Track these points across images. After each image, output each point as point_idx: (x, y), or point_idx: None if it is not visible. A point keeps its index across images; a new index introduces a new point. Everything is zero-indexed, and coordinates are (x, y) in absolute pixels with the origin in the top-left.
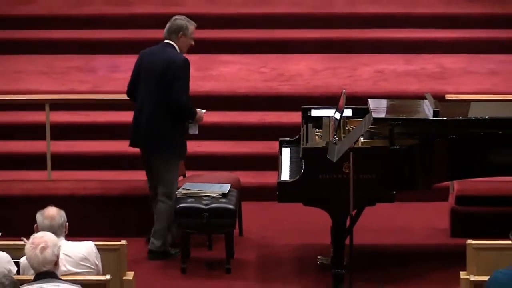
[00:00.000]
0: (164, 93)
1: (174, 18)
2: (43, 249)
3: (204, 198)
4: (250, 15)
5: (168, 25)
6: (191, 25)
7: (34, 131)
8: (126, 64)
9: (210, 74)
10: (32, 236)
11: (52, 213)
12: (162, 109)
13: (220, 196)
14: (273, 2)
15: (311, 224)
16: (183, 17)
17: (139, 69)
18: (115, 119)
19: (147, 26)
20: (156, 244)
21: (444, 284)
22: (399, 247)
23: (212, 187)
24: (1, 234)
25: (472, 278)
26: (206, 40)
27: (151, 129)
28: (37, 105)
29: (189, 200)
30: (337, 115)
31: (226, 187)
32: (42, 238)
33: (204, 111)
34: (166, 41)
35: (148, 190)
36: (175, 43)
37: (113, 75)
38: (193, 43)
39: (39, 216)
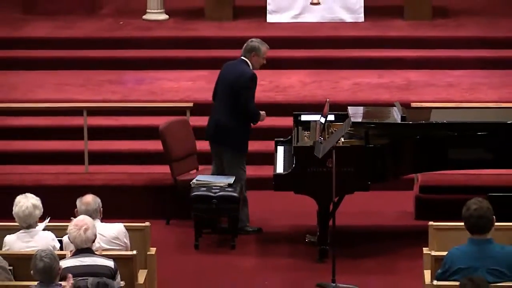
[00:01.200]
0: (233, 99)
1: (250, 40)
2: (86, 230)
3: (213, 187)
4: (252, 37)
5: (244, 45)
6: (263, 47)
7: (74, 133)
8: (150, 78)
9: None
10: (74, 219)
11: (89, 199)
12: (230, 111)
13: (227, 186)
14: (271, 27)
15: (301, 209)
16: (258, 40)
17: (219, 78)
18: (140, 123)
19: (166, 47)
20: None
21: (410, 259)
22: (373, 227)
23: (220, 179)
24: (49, 218)
25: (433, 253)
26: (221, 58)
27: (220, 127)
28: (76, 111)
29: (201, 189)
30: (322, 120)
31: (231, 179)
32: (83, 221)
33: (264, 112)
34: (242, 57)
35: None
36: (249, 60)
37: (139, 87)
38: (264, 62)
39: (78, 202)
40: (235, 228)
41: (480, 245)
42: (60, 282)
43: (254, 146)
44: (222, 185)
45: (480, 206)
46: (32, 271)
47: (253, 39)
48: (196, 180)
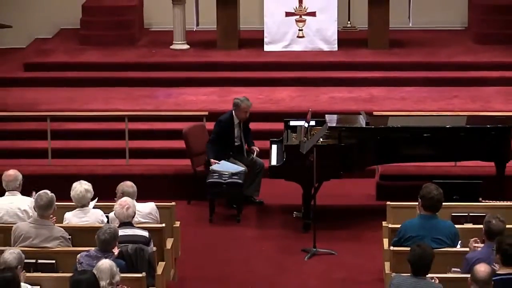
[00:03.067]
0: None
1: (236, 98)
2: (128, 208)
3: (224, 176)
4: (252, 62)
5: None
6: (243, 104)
7: (118, 134)
8: (175, 93)
9: (230, 99)
10: (118, 200)
11: (129, 184)
12: None
13: (233, 175)
14: (267, 55)
15: (290, 192)
16: (242, 98)
17: None
18: (168, 127)
19: (188, 70)
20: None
21: (373, 230)
22: (344, 206)
23: (229, 169)
24: (97, 199)
25: (390, 226)
26: (229, 78)
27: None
28: (120, 118)
29: (215, 176)
30: (306, 125)
31: (238, 168)
32: (126, 201)
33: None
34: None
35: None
36: (234, 112)
37: (167, 100)
38: (247, 115)
39: (121, 187)
40: (240, 206)
41: (427, 219)
42: (113, 250)
43: (255, 144)
44: (230, 173)
45: (440, 192)
46: (95, 238)
47: (238, 98)
48: (211, 169)
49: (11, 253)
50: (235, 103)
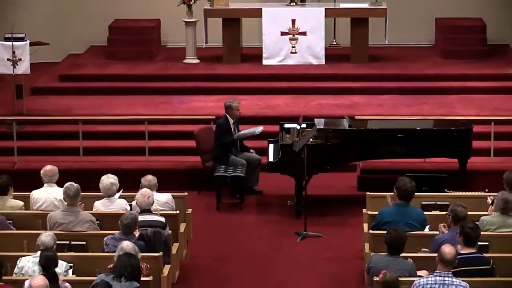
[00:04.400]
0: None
1: (227, 101)
2: (148, 197)
3: (228, 170)
4: (253, 74)
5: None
6: (234, 104)
7: (139, 135)
8: (187, 100)
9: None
10: (140, 190)
11: (149, 178)
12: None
13: (236, 169)
14: (265, 68)
15: (284, 184)
16: (231, 100)
17: None
18: (181, 129)
19: (198, 80)
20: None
21: (354, 216)
22: (331, 196)
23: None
24: (122, 190)
25: (369, 212)
26: (233, 88)
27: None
28: (141, 121)
29: (221, 171)
30: (298, 127)
31: (240, 165)
32: (146, 191)
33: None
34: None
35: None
36: (228, 113)
37: (181, 106)
38: (239, 113)
39: (142, 180)
40: (242, 196)
41: (401, 207)
42: (134, 233)
43: (254, 144)
44: (233, 168)
45: (413, 184)
46: (119, 223)
47: (228, 101)
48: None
49: (47, 236)
50: (227, 106)
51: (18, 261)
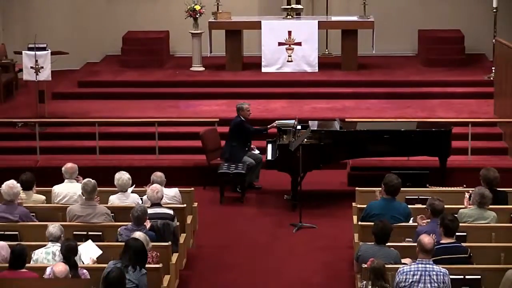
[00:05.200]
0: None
1: (238, 103)
2: (157, 192)
3: (231, 167)
4: (253, 81)
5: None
6: (245, 106)
7: (150, 135)
8: (193, 104)
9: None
10: (150, 186)
11: (158, 174)
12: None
13: (238, 167)
14: (264, 75)
15: (281, 179)
16: (242, 103)
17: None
18: (188, 130)
19: (203, 86)
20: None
21: (345, 208)
22: (323, 190)
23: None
24: (134, 185)
25: (358, 206)
26: (235, 93)
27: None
28: (151, 123)
29: (224, 168)
30: (294, 129)
31: (241, 163)
32: (156, 187)
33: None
34: (237, 115)
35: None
36: (240, 114)
37: (187, 110)
38: (250, 114)
39: (152, 176)
40: (243, 190)
41: (388, 201)
42: (145, 224)
43: (255, 143)
44: (235, 165)
45: (399, 181)
46: (130, 215)
47: (239, 103)
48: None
49: (54, 227)
50: (239, 108)
51: (32, 254)
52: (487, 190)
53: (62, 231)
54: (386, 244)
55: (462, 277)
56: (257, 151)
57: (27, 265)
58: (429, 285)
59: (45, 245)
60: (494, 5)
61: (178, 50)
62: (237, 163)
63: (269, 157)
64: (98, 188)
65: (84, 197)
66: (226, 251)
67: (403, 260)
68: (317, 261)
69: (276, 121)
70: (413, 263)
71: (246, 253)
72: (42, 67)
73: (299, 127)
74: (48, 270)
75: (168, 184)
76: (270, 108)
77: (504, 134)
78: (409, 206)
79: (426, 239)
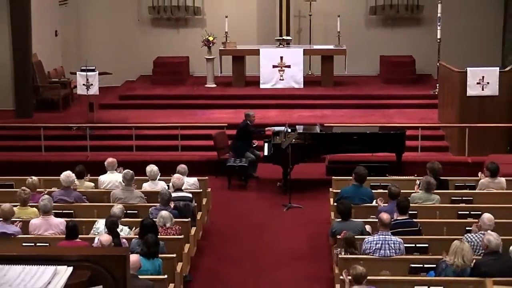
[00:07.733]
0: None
1: (247, 110)
2: (180, 180)
3: (236, 161)
4: (253, 94)
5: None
6: (251, 113)
7: (174, 137)
8: (207, 113)
9: (240, 116)
10: (174, 175)
11: (182, 166)
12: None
13: (242, 160)
14: (262, 90)
15: (275, 171)
16: (249, 110)
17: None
18: (203, 133)
19: (215, 99)
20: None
21: (324, 193)
22: (307, 179)
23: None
24: (160, 175)
25: (334, 190)
26: (238, 104)
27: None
28: (175, 127)
29: (231, 161)
30: (285, 131)
31: (244, 158)
32: (179, 176)
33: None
34: (245, 119)
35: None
36: (247, 119)
37: (203, 116)
38: (254, 119)
39: (178, 167)
40: (246, 180)
41: (357, 187)
42: (170, 205)
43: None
44: (240, 159)
45: (366, 171)
46: (158, 197)
47: (247, 111)
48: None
49: (118, 208)
50: (247, 114)
51: (96, 223)
52: (432, 178)
53: (123, 212)
54: (350, 219)
55: (413, 245)
56: (254, 148)
57: (80, 236)
58: (388, 252)
59: (94, 221)
60: (438, 36)
61: (196, 71)
62: (241, 158)
63: (266, 153)
64: (134, 177)
65: (124, 184)
66: (233, 226)
67: (366, 226)
68: (302, 234)
69: (269, 128)
70: (375, 234)
71: (248, 228)
72: (92, 84)
73: (289, 130)
74: (96, 240)
75: (188, 174)
76: (266, 116)
77: (446, 136)
78: (373, 190)
79: (385, 216)
